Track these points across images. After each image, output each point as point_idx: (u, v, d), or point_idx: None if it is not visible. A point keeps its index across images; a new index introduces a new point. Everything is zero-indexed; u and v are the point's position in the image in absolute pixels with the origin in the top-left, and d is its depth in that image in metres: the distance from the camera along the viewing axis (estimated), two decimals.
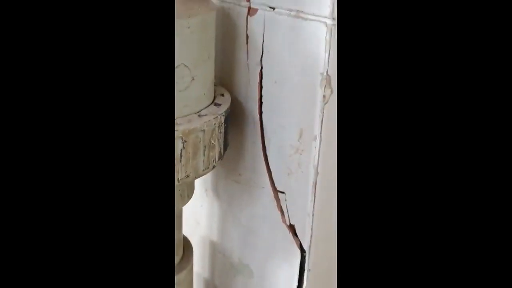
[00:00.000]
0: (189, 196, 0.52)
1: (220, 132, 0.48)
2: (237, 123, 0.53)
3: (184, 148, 0.43)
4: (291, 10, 0.46)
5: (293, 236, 0.52)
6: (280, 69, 0.48)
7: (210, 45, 0.46)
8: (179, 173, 0.44)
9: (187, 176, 0.45)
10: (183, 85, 0.43)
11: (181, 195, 0.50)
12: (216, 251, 0.63)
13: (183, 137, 0.43)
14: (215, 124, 0.46)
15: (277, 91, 0.49)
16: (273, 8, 0.47)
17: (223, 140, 0.49)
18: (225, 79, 0.53)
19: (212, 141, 0.46)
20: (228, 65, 0.53)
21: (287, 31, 0.46)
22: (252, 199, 0.56)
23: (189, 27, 0.42)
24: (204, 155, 0.46)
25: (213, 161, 0.47)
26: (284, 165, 0.51)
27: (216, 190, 0.60)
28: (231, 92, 0.52)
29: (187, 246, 0.57)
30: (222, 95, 0.50)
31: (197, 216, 0.64)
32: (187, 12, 0.42)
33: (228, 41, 0.52)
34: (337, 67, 0.41)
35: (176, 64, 0.42)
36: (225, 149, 0.50)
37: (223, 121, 0.47)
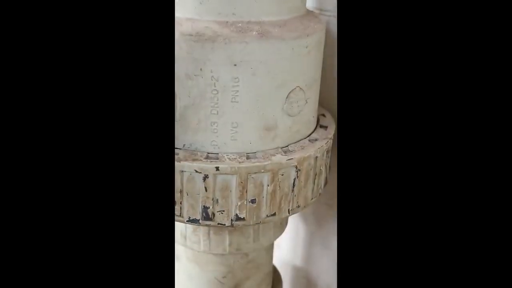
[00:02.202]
0: (286, 225, 0.49)
1: (328, 157, 0.44)
2: (334, 144, 0.50)
3: (297, 177, 0.40)
4: None
5: None
6: None
7: (321, 64, 0.42)
8: (290, 204, 0.41)
9: (298, 206, 0.41)
10: (297, 109, 0.40)
11: (280, 224, 0.47)
12: (299, 276, 0.59)
13: (298, 166, 0.39)
14: (325, 149, 0.42)
15: None
16: None
17: (329, 165, 0.45)
18: (322, 97, 0.50)
19: (321, 168, 0.43)
20: (325, 82, 0.49)
21: None
22: None
23: (307, 47, 0.38)
24: (314, 183, 0.42)
25: (320, 188, 0.44)
26: None
27: (303, 212, 0.57)
28: (329, 111, 0.48)
29: (277, 279, 0.54)
30: (323, 115, 0.47)
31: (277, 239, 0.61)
32: (305, 31, 0.38)
33: (326, 56, 0.49)
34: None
35: (291, 87, 0.39)
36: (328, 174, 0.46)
37: (330, 145, 0.44)
